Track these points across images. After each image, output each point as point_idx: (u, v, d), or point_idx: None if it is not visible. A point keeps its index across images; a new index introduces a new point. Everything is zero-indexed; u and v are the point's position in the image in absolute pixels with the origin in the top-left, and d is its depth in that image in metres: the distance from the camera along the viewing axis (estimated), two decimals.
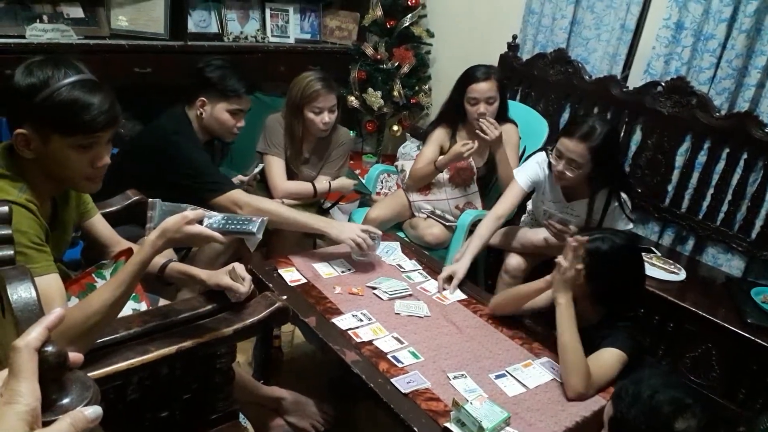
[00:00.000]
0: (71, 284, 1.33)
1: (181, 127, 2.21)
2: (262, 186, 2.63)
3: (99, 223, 1.61)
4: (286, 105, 2.54)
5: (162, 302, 1.69)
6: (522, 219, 2.69)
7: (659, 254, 2.62)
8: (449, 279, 2.09)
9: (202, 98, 2.21)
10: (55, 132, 1.26)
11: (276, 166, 2.54)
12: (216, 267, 2.37)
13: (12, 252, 0.86)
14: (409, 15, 3.66)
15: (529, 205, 2.66)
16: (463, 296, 2.06)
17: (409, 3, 3.64)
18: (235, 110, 2.23)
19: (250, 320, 1.41)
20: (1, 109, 1.32)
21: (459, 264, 2.13)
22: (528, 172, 2.37)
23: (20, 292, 0.74)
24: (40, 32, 3.00)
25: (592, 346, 1.70)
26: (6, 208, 1.01)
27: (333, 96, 2.48)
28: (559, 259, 1.73)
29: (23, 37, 2.96)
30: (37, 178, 1.32)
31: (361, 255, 2.13)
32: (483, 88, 2.50)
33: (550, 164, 2.24)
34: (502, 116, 2.62)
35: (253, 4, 3.78)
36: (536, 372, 1.71)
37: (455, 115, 2.62)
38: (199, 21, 3.60)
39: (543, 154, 2.37)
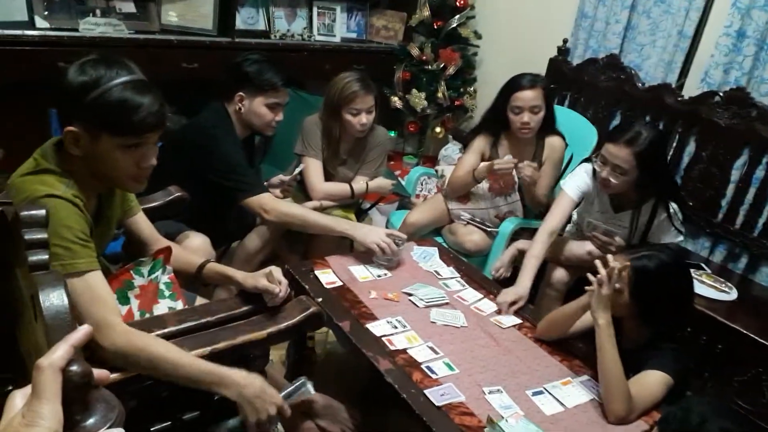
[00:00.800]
0: (110, 280, 1.33)
1: (221, 122, 2.23)
2: (299, 187, 2.62)
3: (141, 221, 1.63)
4: (324, 106, 2.53)
5: (199, 300, 1.70)
6: (566, 229, 2.61)
7: (709, 271, 2.51)
8: (514, 303, 2.02)
9: (241, 93, 2.21)
10: (105, 131, 1.28)
11: (314, 168, 2.53)
12: (253, 266, 2.42)
13: (47, 256, 0.86)
14: (457, 16, 3.60)
15: (574, 215, 2.58)
16: (518, 321, 1.95)
17: (457, 4, 3.59)
18: (273, 104, 2.23)
19: (285, 324, 1.39)
20: (53, 102, 1.34)
21: (522, 287, 2.06)
22: (577, 181, 2.31)
23: (53, 299, 0.73)
24: (92, 26, 3.07)
25: (637, 367, 1.62)
26: (43, 211, 1.02)
27: (371, 97, 2.46)
28: (594, 278, 1.66)
29: (76, 30, 3.03)
30: (84, 176, 1.33)
31: (383, 259, 2.10)
32: (528, 96, 2.43)
33: (594, 172, 2.18)
34: (548, 128, 2.54)
35: (301, 2, 3.79)
36: (576, 391, 1.65)
37: (498, 123, 2.55)
38: (247, 18, 3.62)
39: (588, 166, 2.32)
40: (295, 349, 2.14)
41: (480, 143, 2.61)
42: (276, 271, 1.48)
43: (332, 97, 2.47)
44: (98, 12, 3.15)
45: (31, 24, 2.96)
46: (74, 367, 0.54)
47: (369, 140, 2.60)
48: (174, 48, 3.26)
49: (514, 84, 2.48)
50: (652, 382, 1.60)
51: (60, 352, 0.54)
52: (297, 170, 2.52)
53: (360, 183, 2.56)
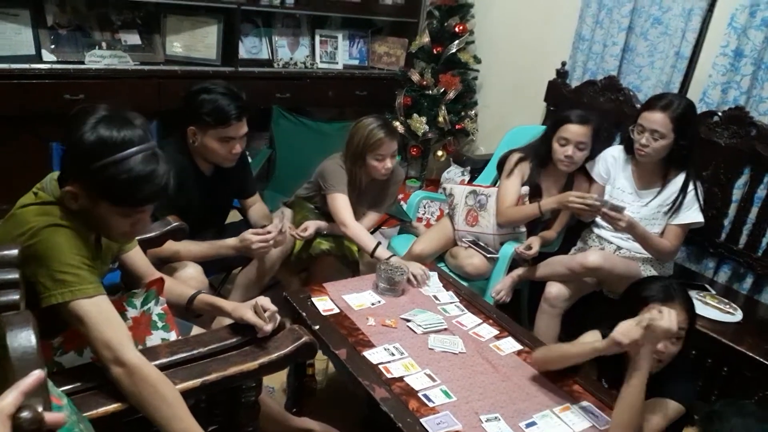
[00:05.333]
0: None
1: (178, 161, 2.10)
2: (316, 213, 2.60)
3: (136, 256, 1.64)
4: (347, 152, 2.50)
5: (196, 330, 1.70)
6: (571, 252, 2.60)
7: (713, 292, 2.48)
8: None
9: (192, 127, 2.12)
10: (105, 199, 1.28)
11: (343, 203, 2.45)
12: (253, 292, 2.42)
13: (17, 297, 0.87)
14: (456, 41, 3.64)
15: (582, 238, 2.60)
16: (518, 347, 1.93)
17: (456, 29, 3.63)
18: (226, 138, 2.13)
19: (276, 355, 1.39)
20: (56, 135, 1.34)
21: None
22: (598, 167, 2.54)
23: (21, 340, 0.74)
24: (98, 58, 3.14)
25: (653, 386, 1.57)
26: (14, 251, 1.03)
27: (395, 142, 2.46)
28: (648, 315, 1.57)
29: (83, 63, 3.09)
30: (82, 216, 1.33)
31: (389, 290, 2.11)
32: (577, 131, 2.44)
33: (627, 146, 2.42)
34: (580, 168, 2.57)
35: (303, 31, 3.85)
36: (575, 417, 1.63)
37: (546, 152, 2.55)
38: (250, 47, 3.69)
39: (610, 149, 2.55)
40: (295, 377, 2.14)
41: (523, 168, 2.60)
42: (263, 300, 1.48)
43: (357, 143, 2.45)
44: (104, 44, 3.22)
45: (38, 57, 3.03)
46: (24, 414, 0.54)
47: (389, 179, 2.60)
48: (178, 78, 3.32)
49: (566, 116, 2.51)
50: (667, 411, 1.58)
51: (9, 399, 0.54)
52: (285, 221, 2.39)
53: (382, 251, 2.39)
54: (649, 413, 1.54)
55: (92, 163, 1.24)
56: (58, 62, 3.05)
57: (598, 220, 2.48)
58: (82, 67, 3.07)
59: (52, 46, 3.08)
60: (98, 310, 1.23)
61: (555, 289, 2.37)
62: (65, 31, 3.13)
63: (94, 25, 3.23)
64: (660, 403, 1.59)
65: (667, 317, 1.48)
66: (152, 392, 1.21)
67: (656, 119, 2.23)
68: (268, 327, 1.43)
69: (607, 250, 2.48)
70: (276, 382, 2.30)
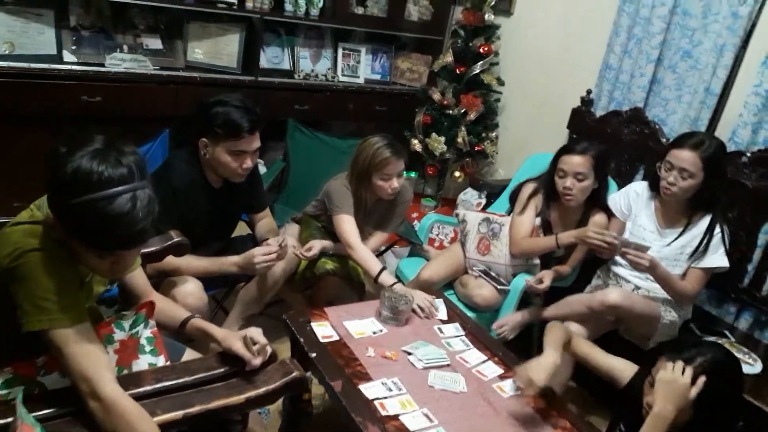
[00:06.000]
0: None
1: (187, 173, 2.13)
2: (323, 232, 2.55)
3: (136, 276, 1.59)
4: (352, 171, 2.45)
5: (188, 353, 1.64)
6: (586, 290, 2.52)
7: (733, 340, 2.38)
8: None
9: (204, 139, 2.09)
10: (77, 240, 1.21)
11: (349, 225, 2.39)
12: (253, 309, 2.38)
13: None
14: (480, 62, 3.57)
15: (595, 279, 2.52)
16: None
17: (481, 50, 3.56)
18: (238, 151, 2.09)
19: (264, 389, 1.34)
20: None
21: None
22: (619, 201, 2.46)
23: None
24: (118, 61, 3.13)
25: None
26: None
27: (402, 162, 2.40)
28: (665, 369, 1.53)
29: (103, 65, 3.08)
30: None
31: (392, 319, 2.04)
32: (574, 161, 2.36)
33: (652, 183, 2.34)
34: (596, 202, 2.48)
35: (327, 43, 3.82)
36: None
37: (551, 186, 2.48)
38: (272, 57, 3.66)
39: (633, 185, 2.49)
40: (290, 401, 2.07)
41: (537, 200, 2.54)
42: (253, 332, 1.43)
43: (362, 162, 2.39)
44: (125, 48, 3.21)
45: (59, 58, 3.03)
46: None
47: (396, 199, 2.54)
48: (197, 85, 3.30)
49: (565, 146, 2.46)
50: None
51: None
52: (288, 238, 2.34)
53: (387, 277, 2.31)
54: None
55: (66, 198, 1.16)
56: (78, 63, 3.05)
57: (617, 257, 2.40)
58: (102, 69, 3.06)
59: (74, 47, 3.07)
60: (76, 341, 1.19)
61: (573, 328, 2.28)
62: (88, 33, 3.13)
63: (117, 28, 3.23)
64: None
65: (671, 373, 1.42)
66: (128, 429, 1.16)
67: (686, 158, 2.16)
68: (256, 361, 1.38)
69: (626, 289, 2.39)
70: (272, 404, 2.24)
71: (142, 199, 1.19)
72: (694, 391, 1.47)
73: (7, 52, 2.87)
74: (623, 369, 1.78)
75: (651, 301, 2.28)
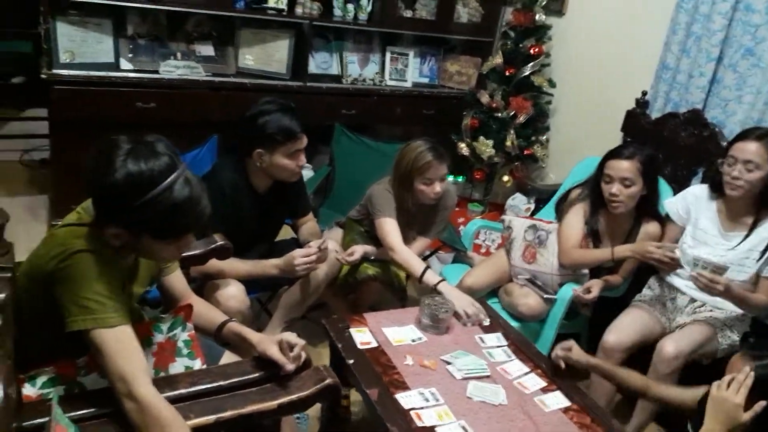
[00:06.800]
0: None
1: (234, 183, 2.19)
2: (365, 237, 2.55)
3: (175, 279, 1.63)
4: (395, 176, 2.44)
5: (226, 356, 1.65)
6: (638, 297, 2.41)
7: None
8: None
9: (259, 150, 2.13)
10: (148, 234, 1.28)
11: (392, 227, 2.37)
12: (295, 313, 2.39)
13: None
14: (531, 64, 3.49)
15: (649, 285, 2.42)
16: (566, 403, 1.77)
17: (531, 51, 3.48)
18: (294, 152, 2.17)
19: (297, 396, 1.33)
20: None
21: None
22: (677, 205, 2.36)
23: None
24: (172, 68, 3.22)
25: None
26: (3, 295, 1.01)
27: (444, 165, 2.37)
28: (718, 386, 1.44)
29: (157, 72, 3.18)
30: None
31: (432, 327, 2.01)
32: (621, 166, 2.28)
33: (714, 184, 2.25)
34: (647, 210, 2.38)
35: (375, 47, 3.83)
36: None
37: (596, 191, 2.40)
38: (321, 62, 3.69)
39: (692, 188, 2.39)
40: (328, 407, 2.07)
41: (585, 207, 2.46)
42: (288, 336, 1.43)
43: (404, 166, 2.37)
44: (179, 55, 3.30)
45: (116, 66, 3.14)
46: None
47: (439, 204, 2.51)
48: (247, 91, 3.36)
49: (613, 152, 2.38)
50: None
51: None
52: (329, 242, 2.33)
53: (431, 276, 2.28)
54: None
55: (128, 203, 1.22)
56: (134, 71, 3.15)
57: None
58: (156, 76, 3.16)
59: (130, 55, 3.18)
60: (116, 341, 1.22)
61: (613, 338, 2.19)
62: (143, 41, 3.23)
63: (172, 36, 3.32)
64: None
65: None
66: (163, 430, 1.17)
67: (751, 149, 2.08)
68: (290, 366, 1.38)
69: (679, 304, 2.28)
70: (311, 410, 2.24)
71: (192, 179, 1.28)
72: (747, 416, 1.37)
73: (68, 60, 2.99)
74: (694, 393, 1.70)
75: (705, 329, 2.15)
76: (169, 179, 1.23)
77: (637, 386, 1.83)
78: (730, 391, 1.39)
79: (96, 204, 1.29)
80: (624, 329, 2.22)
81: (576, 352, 1.85)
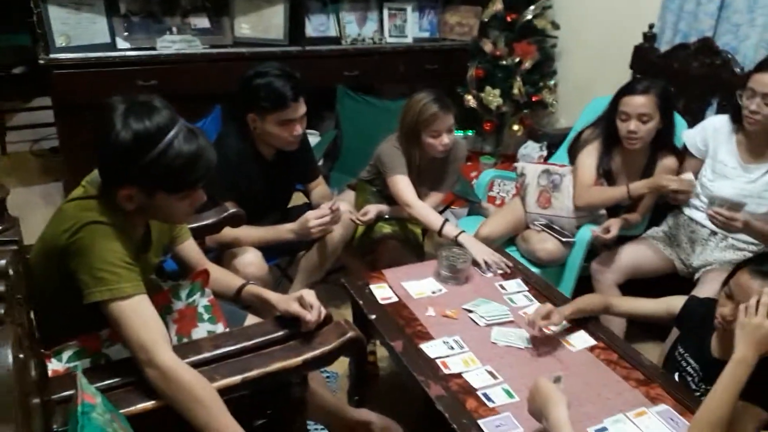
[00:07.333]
0: None
1: (242, 149, 2.16)
2: (378, 197, 2.53)
3: (189, 247, 1.63)
4: (401, 131, 2.39)
5: (250, 319, 1.66)
6: (650, 232, 2.38)
7: None
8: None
9: (251, 114, 2.09)
10: (162, 190, 1.28)
11: (405, 184, 2.34)
12: (316, 276, 2.39)
13: (1, 311, 0.85)
14: (532, 7, 3.40)
15: (666, 221, 2.38)
16: (591, 342, 1.76)
17: None
18: (285, 120, 2.09)
19: (320, 350, 1.34)
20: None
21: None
22: (695, 137, 2.32)
23: None
24: (169, 44, 3.18)
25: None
26: (2, 262, 1.02)
27: (451, 116, 2.32)
28: (744, 308, 1.39)
29: (154, 48, 3.14)
30: (128, 212, 1.32)
31: (451, 278, 2.00)
32: (637, 102, 2.22)
33: (734, 115, 2.18)
34: (663, 144, 2.33)
35: (371, 5, 3.74)
36: (652, 424, 1.46)
37: (609, 131, 2.35)
38: (318, 25, 3.62)
39: (712, 118, 2.33)
40: (355, 365, 2.09)
41: (598, 146, 2.42)
42: (308, 294, 1.43)
43: (410, 120, 2.33)
44: (174, 30, 3.26)
45: (113, 46, 3.11)
46: None
47: (449, 157, 2.47)
48: (246, 60, 3.30)
49: (626, 87, 2.32)
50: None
51: None
52: (342, 204, 2.30)
53: (450, 228, 2.26)
54: (734, 423, 1.34)
55: (138, 160, 1.22)
56: (131, 49, 3.12)
57: (693, 199, 2.25)
58: (154, 53, 3.12)
59: (126, 34, 3.15)
60: (134, 311, 1.22)
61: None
62: (138, 18, 3.19)
63: (165, 11, 3.27)
64: (749, 411, 1.39)
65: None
66: (187, 395, 1.18)
67: None
68: (312, 317, 1.38)
69: (699, 237, 2.25)
70: (339, 368, 2.26)
71: (195, 129, 1.30)
72: None
73: (64, 44, 2.97)
74: (671, 301, 1.75)
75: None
76: (173, 130, 1.24)
77: (600, 308, 1.84)
78: (761, 316, 1.35)
79: (105, 169, 1.29)
80: (615, 256, 2.30)
81: (555, 318, 1.72)
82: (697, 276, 2.22)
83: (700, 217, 2.26)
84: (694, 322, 1.67)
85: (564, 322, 1.77)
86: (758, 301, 1.35)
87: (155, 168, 1.23)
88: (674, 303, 1.74)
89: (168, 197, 1.29)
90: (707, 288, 2.00)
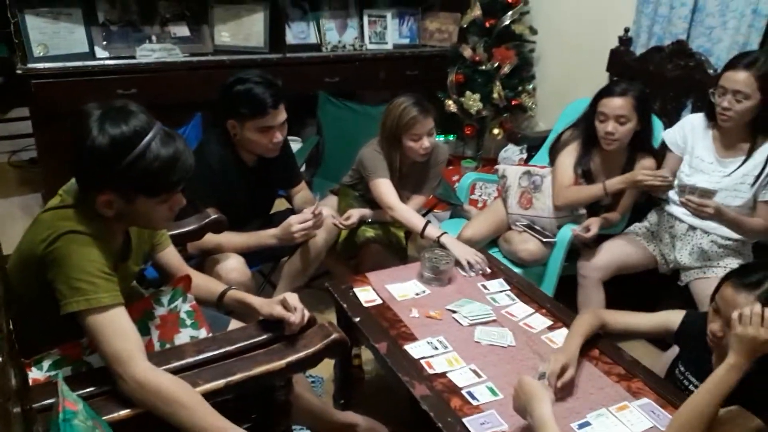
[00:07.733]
0: (130, 310, 1.31)
1: (222, 156, 2.16)
2: (361, 201, 2.54)
3: (170, 254, 1.62)
4: (382, 135, 2.41)
5: (233, 324, 1.66)
6: (632, 228, 2.43)
7: None
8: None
9: (231, 120, 2.09)
10: (141, 194, 1.27)
11: (387, 187, 2.35)
12: (299, 282, 2.39)
13: None
14: (510, 12, 3.44)
15: (647, 218, 2.43)
16: None
17: (509, 0, 3.43)
18: (265, 127, 2.09)
19: (305, 352, 1.34)
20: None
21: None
22: (674, 135, 2.35)
23: None
24: (148, 52, 3.17)
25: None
26: None
27: (431, 119, 2.34)
28: (736, 316, 1.36)
29: (133, 57, 3.13)
30: (106, 221, 1.32)
31: (434, 279, 2.01)
32: (614, 104, 2.26)
33: (709, 112, 2.22)
34: (641, 145, 2.36)
35: (351, 12, 3.76)
36: (634, 417, 1.48)
37: (588, 132, 2.39)
38: (298, 33, 3.63)
39: (689, 117, 2.37)
40: (340, 368, 2.09)
41: (577, 147, 2.45)
42: (291, 297, 1.43)
43: (390, 124, 2.35)
44: (154, 38, 3.25)
45: (92, 55, 3.09)
46: None
47: (430, 160, 2.48)
48: (226, 68, 3.30)
49: (605, 89, 2.36)
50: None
51: None
52: (324, 209, 2.30)
53: (433, 230, 2.28)
54: (725, 425, 1.35)
55: (116, 164, 1.22)
56: (110, 58, 3.10)
57: (672, 195, 2.29)
58: (134, 61, 3.11)
59: (104, 43, 3.13)
60: (110, 323, 1.21)
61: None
62: (116, 27, 3.18)
63: (144, 20, 3.27)
64: (742, 416, 1.38)
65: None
66: (167, 401, 1.17)
67: (739, 79, 2.04)
68: (296, 319, 1.38)
69: (678, 232, 2.29)
70: (325, 372, 2.27)
71: (171, 132, 1.30)
72: None
73: (42, 53, 2.95)
74: (668, 317, 1.70)
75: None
76: (150, 133, 1.24)
77: (597, 327, 1.73)
78: (756, 328, 1.31)
79: (83, 175, 1.28)
80: (601, 253, 2.33)
81: (570, 371, 1.56)
82: (685, 281, 2.26)
83: (680, 212, 2.30)
84: (694, 339, 1.60)
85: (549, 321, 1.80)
86: (752, 312, 1.34)
87: (133, 171, 1.23)
88: (672, 319, 1.69)
89: (147, 201, 1.29)
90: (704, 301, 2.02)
